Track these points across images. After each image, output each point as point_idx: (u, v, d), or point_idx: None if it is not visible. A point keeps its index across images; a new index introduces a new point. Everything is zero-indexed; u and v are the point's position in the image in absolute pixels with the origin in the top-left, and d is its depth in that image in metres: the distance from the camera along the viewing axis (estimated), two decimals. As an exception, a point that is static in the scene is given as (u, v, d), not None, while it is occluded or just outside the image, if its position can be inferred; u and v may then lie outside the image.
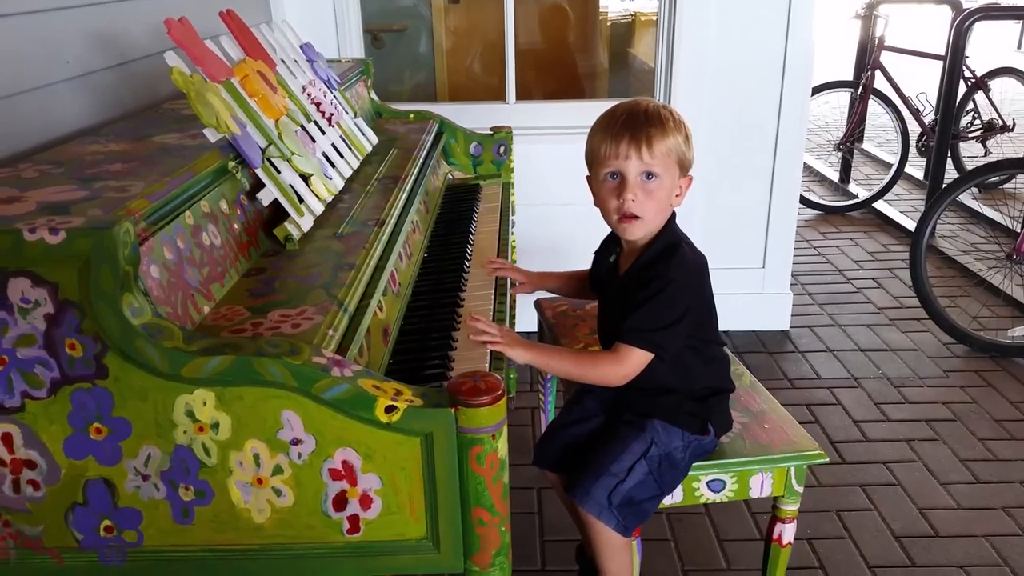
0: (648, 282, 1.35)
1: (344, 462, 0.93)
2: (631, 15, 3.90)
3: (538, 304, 2.10)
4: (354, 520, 0.96)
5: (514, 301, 2.45)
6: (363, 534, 0.96)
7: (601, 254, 1.57)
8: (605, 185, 1.38)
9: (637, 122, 1.33)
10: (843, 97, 4.72)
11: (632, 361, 1.36)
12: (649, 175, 1.34)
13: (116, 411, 0.91)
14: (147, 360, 0.89)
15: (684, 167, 1.38)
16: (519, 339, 1.37)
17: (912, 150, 4.50)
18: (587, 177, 1.44)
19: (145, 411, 0.91)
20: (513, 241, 2.33)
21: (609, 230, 1.50)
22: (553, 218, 2.80)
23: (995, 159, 3.58)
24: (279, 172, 1.31)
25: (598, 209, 1.43)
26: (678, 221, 1.43)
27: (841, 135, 4.68)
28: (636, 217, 1.36)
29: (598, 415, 1.54)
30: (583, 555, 1.73)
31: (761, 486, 1.49)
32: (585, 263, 1.73)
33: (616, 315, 1.40)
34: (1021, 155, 4.42)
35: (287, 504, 0.95)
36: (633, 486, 1.38)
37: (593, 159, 1.40)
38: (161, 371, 0.89)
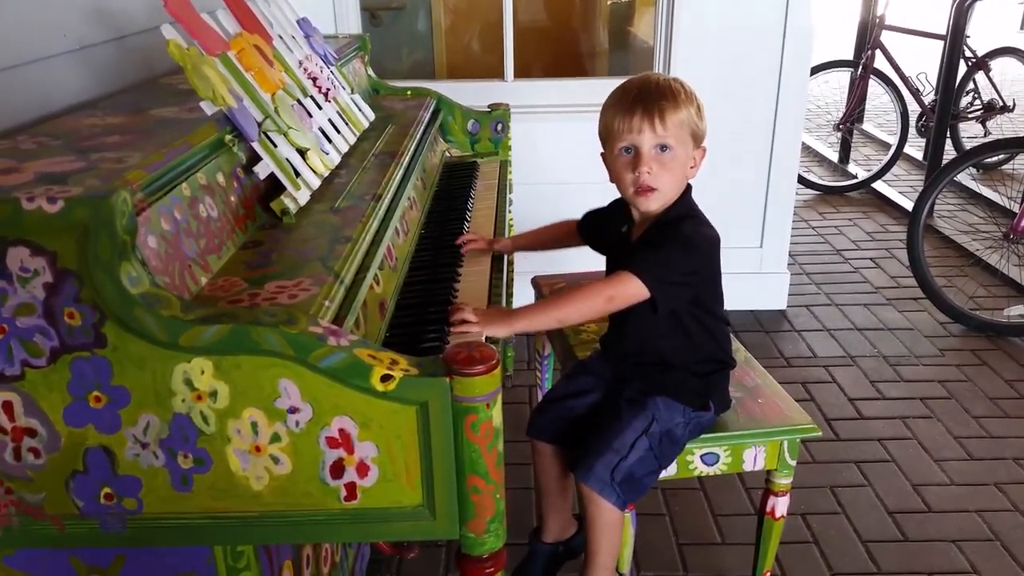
0: (663, 233, 1.38)
1: (341, 430, 0.94)
2: (631, -7, 3.88)
3: (535, 282, 2.11)
4: (351, 487, 0.97)
5: (511, 279, 2.46)
6: (360, 501, 0.97)
7: (605, 219, 1.57)
8: (620, 159, 1.39)
9: (649, 96, 1.35)
10: (843, 77, 4.71)
11: (625, 285, 1.33)
12: (663, 147, 1.36)
13: (115, 379, 0.92)
14: (145, 329, 0.89)
15: (697, 138, 1.39)
16: (496, 314, 1.33)
17: (912, 130, 4.50)
18: (602, 154, 1.45)
19: (144, 379, 0.92)
20: (510, 219, 2.33)
21: (612, 197, 1.51)
22: (551, 196, 2.80)
23: (993, 139, 3.59)
24: (275, 146, 1.31)
25: (614, 185, 1.44)
26: None
27: (841, 115, 4.68)
28: (652, 189, 1.37)
29: (595, 390, 1.56)
30: (537, 539, 1.72)
31: (754, 459, 1.51)
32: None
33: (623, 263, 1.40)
34: (1020, 135, 4.42)
35: (285, 472, 0.96)
36: (634, 462, 1.40)
37: (607, 135, 1.41)
38: (159, 340, 0.90)
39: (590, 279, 2.02)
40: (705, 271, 1.41)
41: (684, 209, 1.41)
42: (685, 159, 1.38)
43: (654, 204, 1.40)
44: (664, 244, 1.36)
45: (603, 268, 1.63)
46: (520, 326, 1.35)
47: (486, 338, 1.31)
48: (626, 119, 1.35)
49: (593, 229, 1.63)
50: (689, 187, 1.44)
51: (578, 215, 1.68)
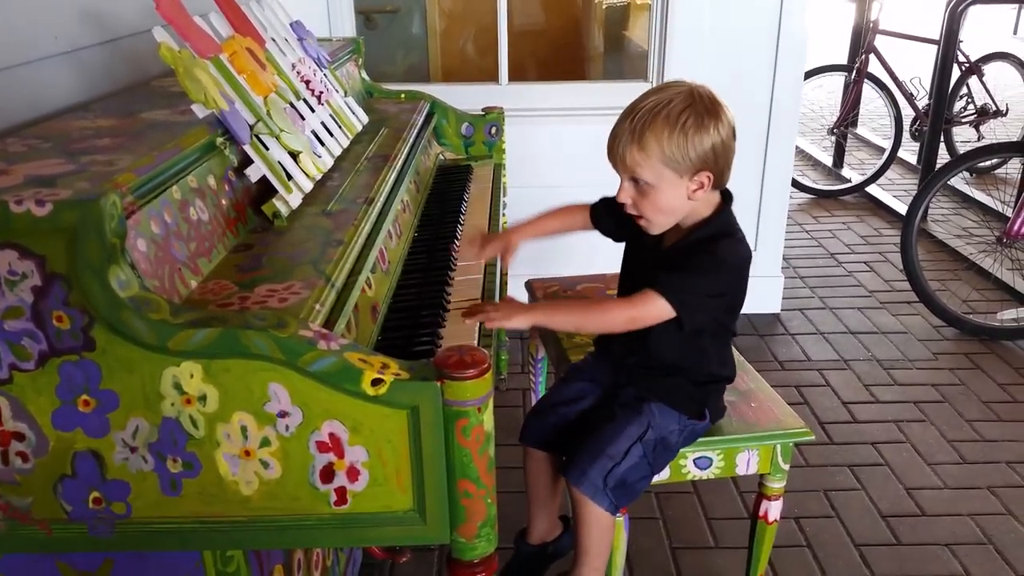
0: (698, 254, 1.33)
1: (331, 434, 0.93)
2: (626, -2, 3.89)
3: (529, 285, 2.11)
4: (341, 492, 0.96)
5: (505, 282, 2.45)
6: (350, 506, 0.97)
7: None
8: None
9: (619, 128, 1.32)
10: (837, 81, 4.72)
11: (650, 306, 1.30)
12: (636, 180, 1.32)
13: (104, 383, 0.92)
14: (134, 332, 0.89)
15: (683, 168, 1.29)
16: (515, 306, 1.35)
17: (906, 134, 4.51)
18: None
19: (133, 383, 0.91)
20: (504, 223, 2.33)
21: None
22: (545, 200, 2.76)
23: (987, 143, 3.60)
24: (267, 149, 1.31)
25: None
26: None
27: (835, 119, 4.69)
28: (639, 217, 1.36)
29: (589, 395, 1.55)
30: (523, 540, 1.72)
31: (747, 463, 1.50)
32: (576, 248, 1.70)
33: (650, 277, 1.34)
34: (1012, 139, 4.44)
35: (274, 476, 0.95)
36: (627, 468, 1.40)
37: None
38: (148, 343, 0.89)
39: (587, 282, 2.04)
40: (734, 290, 1.38)
41: (722, 226, 1.37)
42: (670, 189, 1.31)
43: (653, 229, 1.37)
44: (698, 266, 1.32)
45: (602, 271, 1.62)
46: (539, 318, 1.37)
47: (481, 338, 1.31)
48: (608, 150, 1.34)
49: (612, 217, 1.51)
50: (729, 198, 1.39)
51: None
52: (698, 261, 1.33)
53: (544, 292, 2.04)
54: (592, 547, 1.44)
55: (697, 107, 1.30)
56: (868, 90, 4.52)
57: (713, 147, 1.31)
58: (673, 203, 1.33)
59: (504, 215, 2.29)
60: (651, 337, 1.40)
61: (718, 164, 1.33)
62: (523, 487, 1.66)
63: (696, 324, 1.34)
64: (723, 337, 1.46)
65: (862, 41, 4.46)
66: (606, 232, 1.57)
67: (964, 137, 4.92)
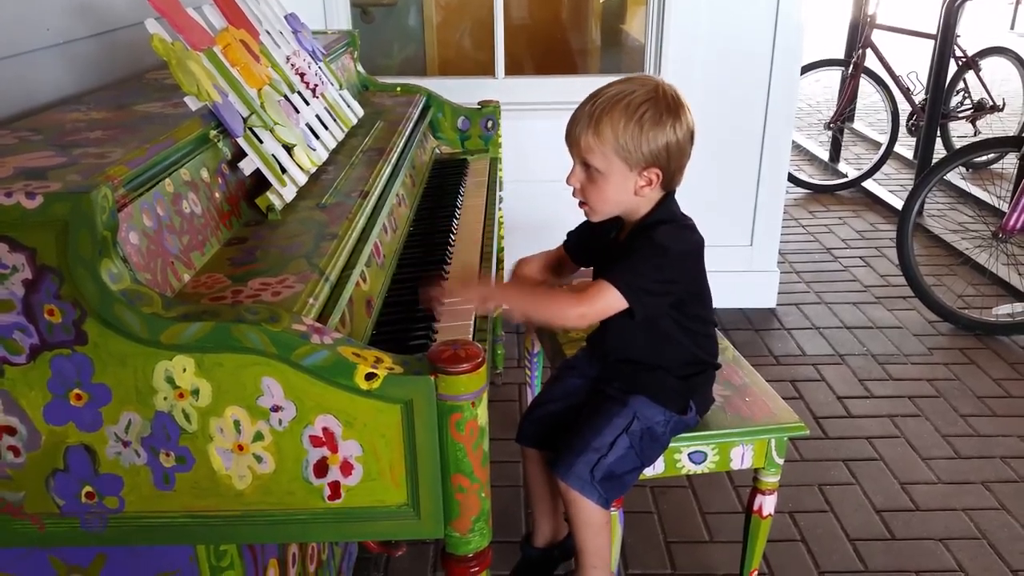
0: (639, 240, 1.34)
1: (325, 429, 0.93)
2: (623, -9, 3.87)
3: (525, 279, 2.10)
4: (335, 486, 0.96)
5: (501, 277, 2.45)
6: (344, 500, 0.96)
7: (591, 230, 1.52)
8: None
9: (580, 112, 1.33)
10: (834, 76, 4.71)
11: (600, 298, 1.29)
12: (587, 164, 1.33)
13: (96, 377, 0.91)
14: (126, 326, 0.88)
15: (633, 161, 1.29)
16: (473, 287, 1.36)
17: (902, 129, 4.51)
18: None
19: (125, 377, 0.91)
20: (500, 217, 2.33)
21: None
22: (541, 194, 2.78)
23: (983, 138, 3.60)
24: (261, 142, 1.30)
25: None
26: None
27: (831, 114, 4.68)
28: (583, 203, 1.37)
29: (580, 392, 1.54)
30: (529, 543, 1.73)
31: (742, 458, 1.50)
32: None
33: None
34: (1008, 134, 4.44)
35: (268, 471, 0.95)
36: (614, 460, 1.39)
37: None
38: (140, 337, 0.89)
39: (586, 277, 2.03)
40: (684, 279, 1.36)
41: (661, 214, 1.36)
42: (618, 180, 1.31)
43: (595, 217, 1.39)
44: (639, 252, 1.32)
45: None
46: (498, 299, 1.37)
47: (476, 332, 1.31)
48: (566, 131, 1.35)
49: (581, 244, 1.55)
50: (669, 193, 1.38)
51: (567, 214, 1.62)
52: (639, 247, 1.33)
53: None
54: (588, 546, 1.44)
55: (658, 103, 1.29)
56: (865, 85, 4.52)
57: (667, 145, 1.30)
58: (619, 195, 1.34)
59: (500, 209, 2.29)
60: (615, 331, 1.41)
61: (670, 164, 1.32)
62: (518, 481, 1.67)
63: (647, 312, 1.32)
64: (689, 325, 1.44)
65: (859, 35, 4.45)
66: (581, 262, 1.57)
67: (961, 132, 4.92)
